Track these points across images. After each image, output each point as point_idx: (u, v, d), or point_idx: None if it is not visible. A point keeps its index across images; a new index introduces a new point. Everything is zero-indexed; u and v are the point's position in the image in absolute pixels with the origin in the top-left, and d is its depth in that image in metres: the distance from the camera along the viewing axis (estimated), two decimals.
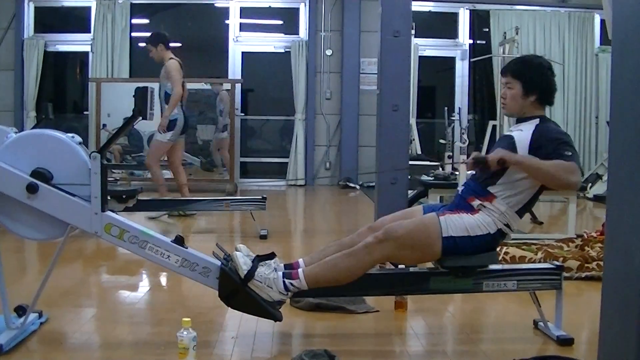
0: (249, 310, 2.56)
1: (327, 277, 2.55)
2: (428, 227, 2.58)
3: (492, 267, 2.72)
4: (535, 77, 2.75)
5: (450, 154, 5.76)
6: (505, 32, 9.24)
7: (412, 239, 2.57)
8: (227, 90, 8.93)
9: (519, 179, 2.63)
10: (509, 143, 2.71)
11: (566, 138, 2.66)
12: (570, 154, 2.57)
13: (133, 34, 9.44)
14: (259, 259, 2.57)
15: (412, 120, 7.86)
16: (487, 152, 2.85)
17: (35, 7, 9.50)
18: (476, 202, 2.64)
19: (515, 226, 2.69)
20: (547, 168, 2.56)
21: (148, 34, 6.26)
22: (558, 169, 2.55)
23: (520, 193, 2.64)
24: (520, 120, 2.82)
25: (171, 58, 5.95)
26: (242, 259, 2.52)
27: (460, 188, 2.85)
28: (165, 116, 5.80)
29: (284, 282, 2.51)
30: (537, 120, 2.73)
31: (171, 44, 6.10)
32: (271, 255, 2.61)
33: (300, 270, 2.56)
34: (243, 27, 9.77)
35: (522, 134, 2.71)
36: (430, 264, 2.79)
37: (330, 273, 2.54)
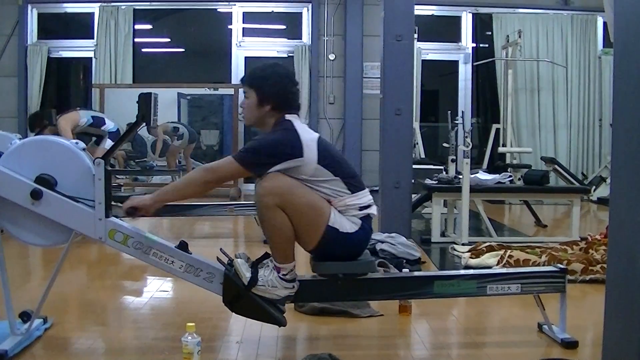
0: (253, 316, 2.57)
1: (280, 245, 2.52)
2: (322, 209, 2.54)
3: (496, 270, 2.71)
4: (268, 87, 2.64)
5: (454, 157, 5.74)
6: (508, 36, 9.26)
7: (303, 212, 2.51)
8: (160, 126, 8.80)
9: (312, 178, 2.55)
10: None
11: (250, 144, 2.62)
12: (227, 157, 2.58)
13: (136, 40, 9.44)
14: (257, 263, 2.58)
15: (416, 124, 7.87)
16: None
17: (39, 14, 9.52)
18: None
19: (366, 200, 2.63)
20: (181, 184, 2.65)
21: (151, 40, 6.36)
22: (190, 178, 2.62)
23: (328, 182, 2.57)
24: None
25: (57, 119, 6.09)
26: (244, 266, 2.54)
27: None
28: None
29: (279, 277, 2.52)
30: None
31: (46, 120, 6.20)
32: (265, 255, 2.61)
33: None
34: (246, 32, 9.78)
35: None
36: (431, 268, 2.78)
37: (276, 241, 2.52)
